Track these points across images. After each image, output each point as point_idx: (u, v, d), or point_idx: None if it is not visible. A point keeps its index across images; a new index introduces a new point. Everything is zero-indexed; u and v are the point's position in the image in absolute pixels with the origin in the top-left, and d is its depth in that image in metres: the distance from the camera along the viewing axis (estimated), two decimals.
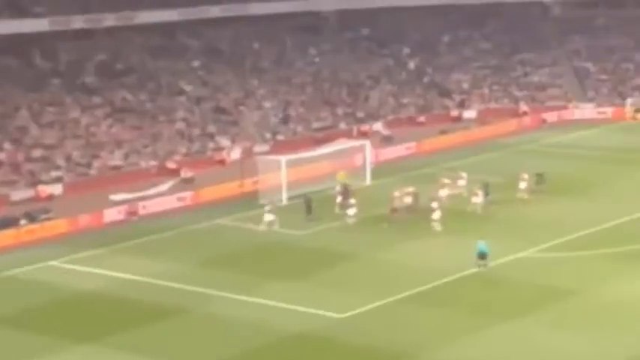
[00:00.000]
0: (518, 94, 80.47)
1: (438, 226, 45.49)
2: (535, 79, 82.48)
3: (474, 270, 39.47)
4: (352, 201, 48.19)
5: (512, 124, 73.70)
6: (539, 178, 52.44)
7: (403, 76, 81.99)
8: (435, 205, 46.22)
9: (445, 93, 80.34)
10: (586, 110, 77.20)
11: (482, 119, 74.89)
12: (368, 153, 57.96)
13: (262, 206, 49.49)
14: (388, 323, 34.71)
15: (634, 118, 74.61)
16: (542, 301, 36.17)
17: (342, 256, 42.74)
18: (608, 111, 76.62)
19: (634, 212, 47.18)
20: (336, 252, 43.40)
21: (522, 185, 50.90)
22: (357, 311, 35.73)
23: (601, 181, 54.53)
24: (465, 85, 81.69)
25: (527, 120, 74.96)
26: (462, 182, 51.45)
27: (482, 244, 39.57)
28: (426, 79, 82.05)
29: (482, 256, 39.39)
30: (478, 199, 48.26)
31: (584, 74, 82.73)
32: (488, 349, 32.09)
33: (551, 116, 75.52)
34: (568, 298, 36.22)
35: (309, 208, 48.19)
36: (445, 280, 38.79)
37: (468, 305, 36.17)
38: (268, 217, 47.36)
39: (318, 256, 43.04)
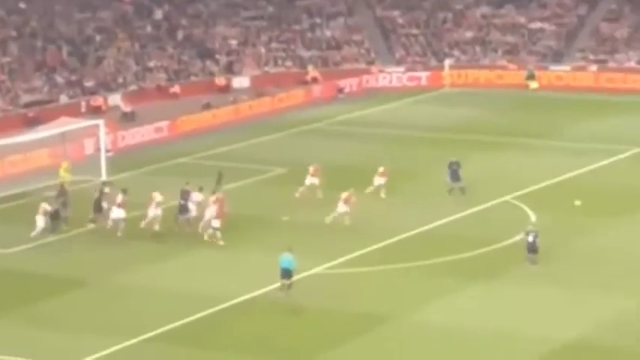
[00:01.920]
0: (304, 54, 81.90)
1: (205, 236, 45.56)
2: (327, 34, 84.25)
3: (252, 294, 39.77)
4: (105, 205, 47.44)
5: (298, 94, 74.98)
6: None
7: (148, 30, 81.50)
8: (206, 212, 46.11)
9: (206, 53, 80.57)
10: (394, 75, 79.73)
11: (257, 89, 75.74)
12: (102, 137, 57.22)
13: None
14: None
15: (453, 85, 77.63)
16: (341, 332, 36.78)
17: (64, 282, 41.81)
18: (422, 76, 79.48)
19: (457, 211, 48.96)
20: (54, 277, 42.47)
21: (380, 181, 50.41)
22: (90, 359, 35.12)
23: (417, 171, 56.16)
24: (233, 43, 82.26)
25: (317, 89, 76.46)
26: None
27: (286, 258, 39.61)
28: (179, 35, 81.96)
29: (286, 273, 39.39)
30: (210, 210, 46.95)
31: (389, 28, 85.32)
32: None
33: (349, 84, 77.41)
34: (376, 327, 37.01)
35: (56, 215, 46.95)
36: (212, 310, 38.76)
37: (245, 342, 36.26)
38: (40, 221, 46.15)
39: (26, 283, 41.98)
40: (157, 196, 46.78)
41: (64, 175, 52.69)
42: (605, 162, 56.75)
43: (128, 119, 68.51)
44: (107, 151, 57.57)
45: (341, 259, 43.47)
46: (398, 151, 60.18)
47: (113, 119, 65.53)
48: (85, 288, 41.42)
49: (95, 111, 69.21)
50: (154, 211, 46.53)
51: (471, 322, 37.26)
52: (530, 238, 42.39)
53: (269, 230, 47.06)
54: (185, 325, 37.70)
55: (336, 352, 35.43)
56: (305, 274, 41.70)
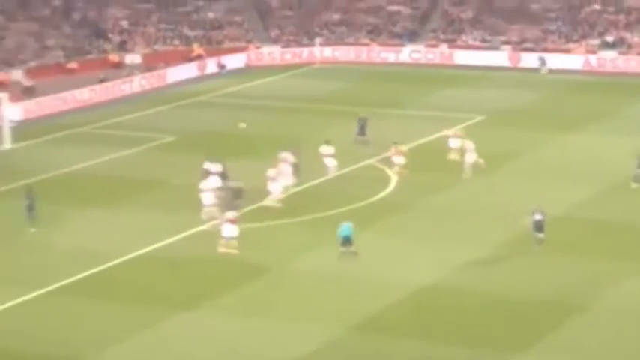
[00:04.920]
0: (190, 33, 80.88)
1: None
2: (210, 15, 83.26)
3: (141, 251, 39.07)
4: None
5: (184, 70, 73.93)
6: None
7: (46, 12, 79.62)
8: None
9: (100, 33, 79.02)
10: (270, 53, 79.15)
11: (149, 65, 74.61)
12: (6, 109, 55.89)
13: None
14: (41, 321, 33.74)
15: (323, 62, 77.33)
16: (229, 280, 36.49)
17: None
18: (296, 53, 79.07)
19: (332, 172, 48.66)
20: None
21: (398, 160, 48.15)
22: None
23: (299, 136, 55.17)
24: (125, 24, 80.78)
25: (203, 65, 75.56)
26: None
27: (346, 227, 38.31)
28: (75, 16, 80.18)
29: (347, 241, 38.09)
30: None
31: (265, 10, 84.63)
32: (165, 344, 32.01)
33: (230, 61, 76.63)
34: (255, 278, 36.71)
35: None
36: (108, 265, 38.16)
37: (139, 294, 35.78)
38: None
39: None
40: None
41: None
42: (458, 127, 56.83)
43: (29, 93, 66.84)
44: (11, 121, 56.13)
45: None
46: (280, 119, 59.68)
47: (16, 93, 63.85)
48: None
49: None
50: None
51: (341, 269, 37.19)
52: (538, 217, 38.19)
53: (161, 192, 46.18)
54: (84, 278, 37.01)
55: (217, 301, 35.01)
56: (191, 231, 41.16)
